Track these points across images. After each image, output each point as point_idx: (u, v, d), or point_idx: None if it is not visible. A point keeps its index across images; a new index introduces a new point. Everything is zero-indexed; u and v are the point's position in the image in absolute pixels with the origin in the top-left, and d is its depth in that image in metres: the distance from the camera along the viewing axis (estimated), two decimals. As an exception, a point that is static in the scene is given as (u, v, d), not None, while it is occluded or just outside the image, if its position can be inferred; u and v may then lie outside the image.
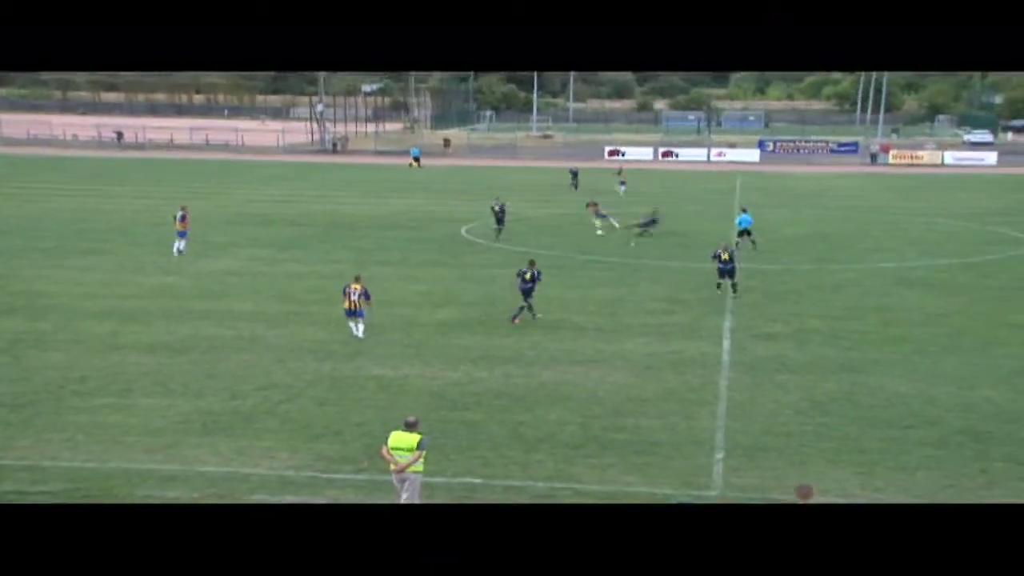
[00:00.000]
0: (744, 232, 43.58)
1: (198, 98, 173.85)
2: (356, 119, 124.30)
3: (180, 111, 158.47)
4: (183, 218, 41.56)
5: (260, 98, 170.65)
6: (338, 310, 31.63)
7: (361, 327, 28.76)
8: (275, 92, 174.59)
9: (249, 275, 37.27)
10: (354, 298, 28.55)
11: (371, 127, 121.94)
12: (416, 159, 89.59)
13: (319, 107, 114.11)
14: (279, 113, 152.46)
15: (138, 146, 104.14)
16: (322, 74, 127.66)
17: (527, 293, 30.90)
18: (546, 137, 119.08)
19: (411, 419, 17.30)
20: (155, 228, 46.43)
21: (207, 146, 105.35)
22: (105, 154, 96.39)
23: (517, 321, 30.61)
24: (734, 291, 34.40)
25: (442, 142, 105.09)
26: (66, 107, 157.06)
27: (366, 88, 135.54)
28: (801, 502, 13.80)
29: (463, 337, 28.94)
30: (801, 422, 22.09)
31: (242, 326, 29.74)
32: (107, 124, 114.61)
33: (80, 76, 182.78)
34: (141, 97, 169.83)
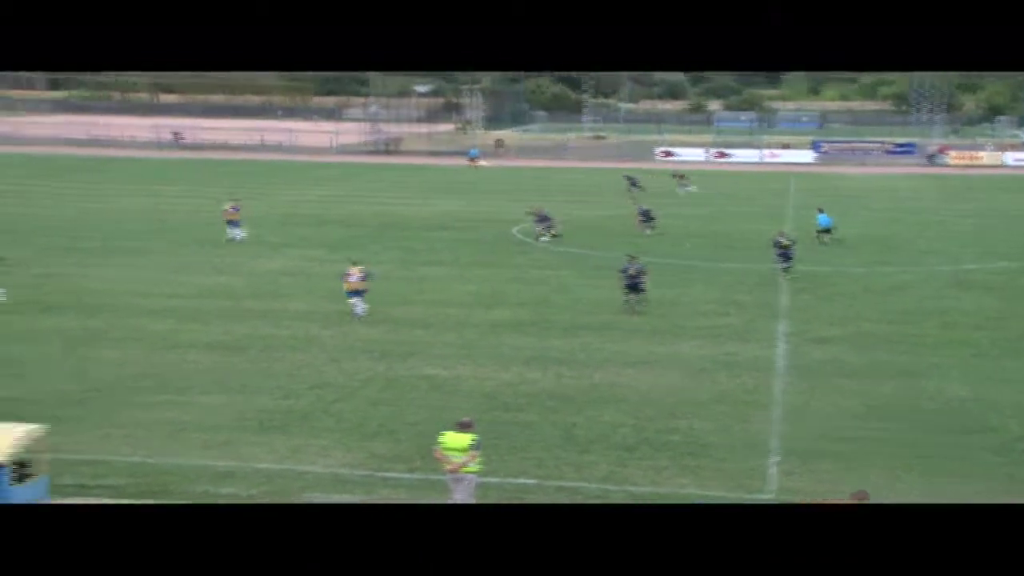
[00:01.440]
0: (824, 231, 44.92)
1: (253, 99, 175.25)
2: (409, 120, 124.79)
3: (236, 112, 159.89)
4: (236, 210, 44.58)
5: (314, 99, 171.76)
6: (392, 310, 31.81)
7: (361, 306, 30.73)
8: (328, 93, 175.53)
9: (302, 275, 37.49)
10: (352, 280, 30.78)
11: (423, 128, 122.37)
12: (473, 159, 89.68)
13: (372, 108, 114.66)
14: (332, 114, 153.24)
15: (195, 147, 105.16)
16: (375, 75, 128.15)
17: (633, 288, 31.45)
18: (598, 138, 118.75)
19: (464, 420, 17.35)
20: (210, 228, 46.81)
21: (262, 147, 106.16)
22: (162, 155, 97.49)
23: (630, 312, 31.37)
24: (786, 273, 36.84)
25: (494, 143, 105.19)
26: (126, 109, 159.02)
27: (419, 89, 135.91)
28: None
29: (515, 338, 28.92)
30: (858, 427, 21.83)
31: (296, 325, 29.93)
32: (165, 125, 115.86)
33: (139, 78, 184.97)
34: (199, 98, 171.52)
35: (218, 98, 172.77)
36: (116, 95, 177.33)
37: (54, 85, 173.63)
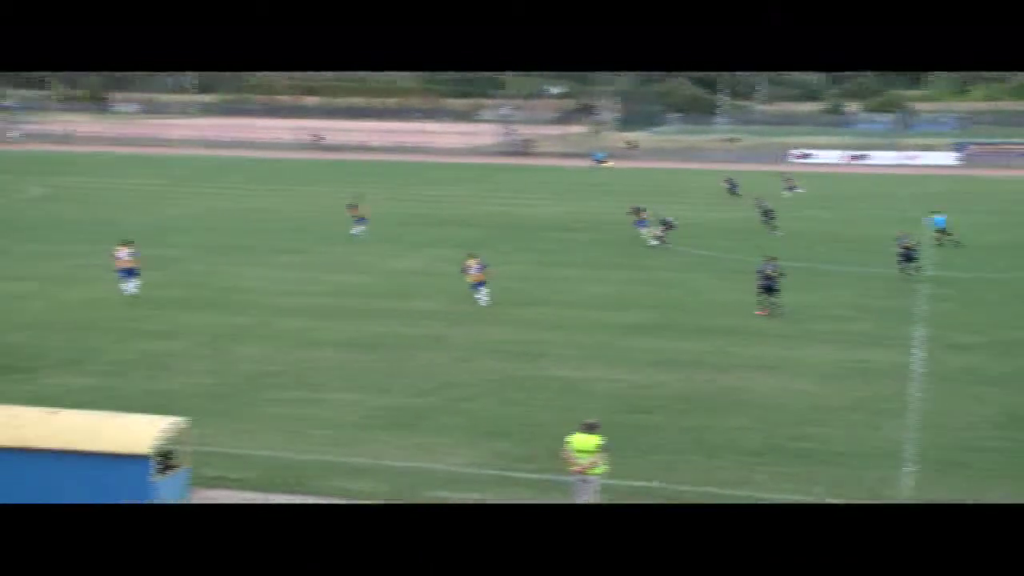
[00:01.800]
0: (940, 232, 44.66)
1: (390, 102, 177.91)
2: (541, 122, 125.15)
3: (374, 114, 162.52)
4: (355, 207, 47.48)
5: (448, 101, 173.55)
6: (522, 311, 31.95)
7: (484, 296, 32.32)
8: (463, 96, 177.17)
9: (435, 275, 37.91)
10: (472, 272, 32.68)
11: (556, 129, 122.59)
12: (599, 161, 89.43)
13: (504, 110, 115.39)
14: (466, 116, 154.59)
15: (334, 148, 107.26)
16: (510, 77, 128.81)
17: (768, 289, 31.47)
18: (732, 140, 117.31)
19: (591, 421, 17.30)
20: (346, 227, 47.72)
21: (398, 148, 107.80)
22: (303, 156, 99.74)
23: (763, 312, 31.37)
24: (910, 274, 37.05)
25: (626, 144, 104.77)
26: (269, 111, 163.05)
27: (551, 91, 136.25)
28: None
29: (646, 340, 28.75)
30: (998, 437, 21.10)
31: (427, 324, 30.29)
32: (306, 127, 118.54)
33: (282, 81, 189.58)
34: (339, 101, 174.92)
35: (357, 100, 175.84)
36: (261, 98, 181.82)
37: (203, 89, 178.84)
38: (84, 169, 79.27)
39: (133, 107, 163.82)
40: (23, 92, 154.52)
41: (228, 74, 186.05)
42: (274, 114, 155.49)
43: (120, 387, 23.88)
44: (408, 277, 37.66)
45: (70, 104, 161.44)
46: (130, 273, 33.22)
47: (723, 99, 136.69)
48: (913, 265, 37.29)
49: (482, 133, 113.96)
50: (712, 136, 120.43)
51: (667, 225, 45.45)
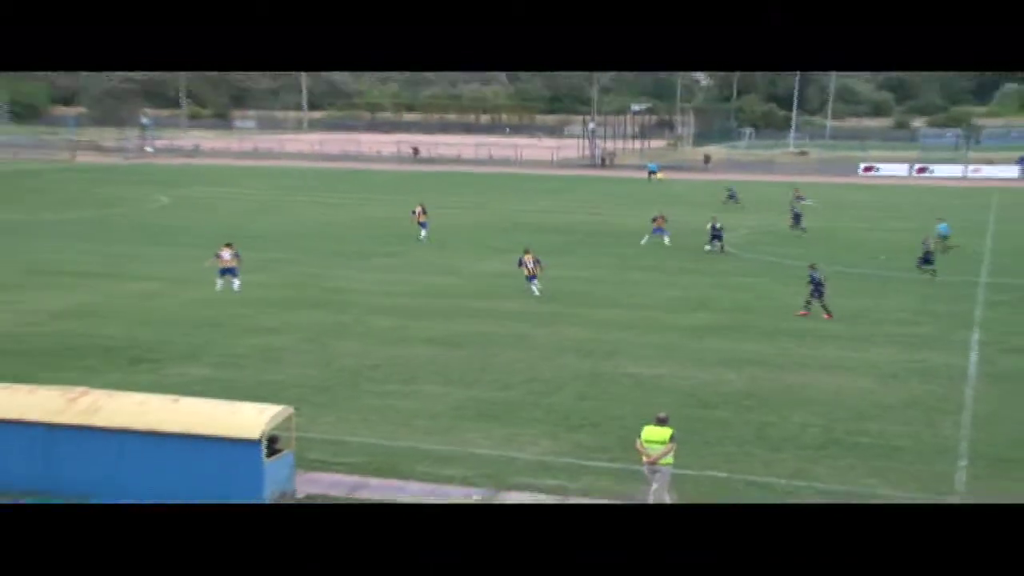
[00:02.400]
0: (943, 239, 43.99)
1: (484, 117, 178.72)
2: (624, 136, 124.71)
3: (468, 129, 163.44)
4: (422, 212, 48.67)
5: (537, 117, 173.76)
6: (600, 313, 32.05)
7: (536, 287, 34.36)
8: (551, 112, 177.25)
9: (518, 277, 38.08)
10: (530, 267, 34.50)
11: (637, 144, 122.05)
12: (652, 173, 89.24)
13: (590, 125, 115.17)
14: (554, 131, 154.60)
15: (431, 160, 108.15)
16: (595, 94, 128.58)
17: (816, 293, 31.50)
18: (802, 154, 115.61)
19: (662, 415, 17.37)
20: (438, 233, 48.16)
21: (490, 161, 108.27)
22: (403, 168, 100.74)
23: (804, 312, 31.43)
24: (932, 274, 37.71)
25: (702, 158, 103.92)
26: (373, 126, 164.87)
27: (634, 108, 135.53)
28: None
29: (715, 340, 28.61)
30: (1049, 436, 20.60)
31: (512, 324, 30.49)
32: (405, 141, 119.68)
33: (386, 98, 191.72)
34: (435, 117, 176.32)
35: (452, 116, 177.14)
36: (365, 115, 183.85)
37: (313, 106, 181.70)
38: (208, 180, 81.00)
39: (251, 123, 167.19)
40: (159, 111, 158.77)
41: (337, 92, 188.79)
42: (377, 129, 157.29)
43: (233, 378, 24.50)
44: (494, 279, 37.90)
45: (198, 121, 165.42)
46: (231, 272, 34.87)
47: (795, 115, 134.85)
48: (928, 267, 38.18)
49: (568, 147, 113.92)
50: (783, 150, 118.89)
51: (716, 232, 45.24)
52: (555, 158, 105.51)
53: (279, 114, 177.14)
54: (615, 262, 42.16)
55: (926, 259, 38.31)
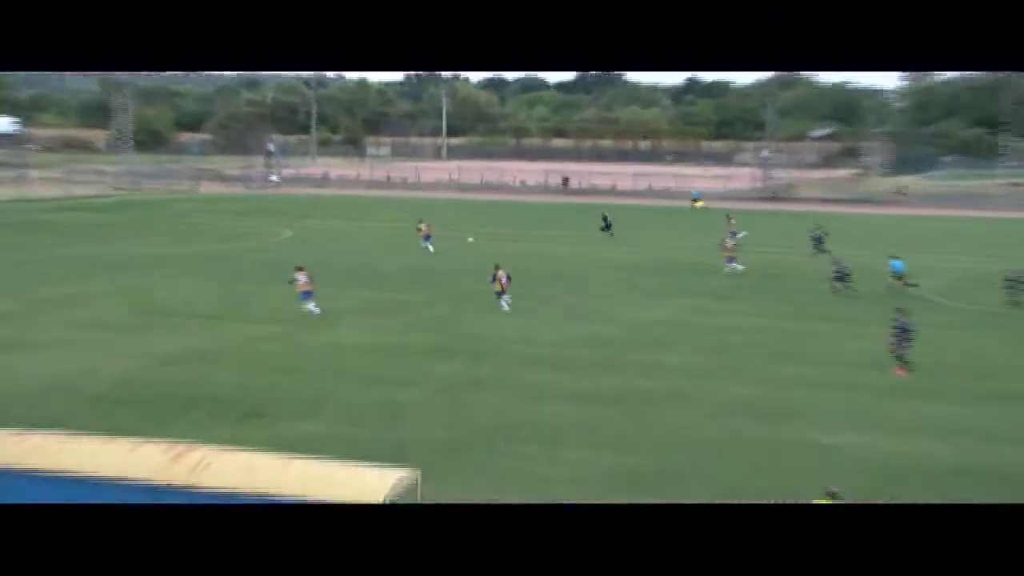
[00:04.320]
0: (896, 277, 45.85)
1: (643, 144, 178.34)
2: (803, 165, 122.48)
3: (625, 156, 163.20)
4: (428, 227, 57.73)
5: (704, 144, 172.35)
6: (773, 367, 31.05)
7: (506, 302, 38.79)
8: (720, 137, 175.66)
9: (681, 326, 37.28)
10: (503, 282, 38.49)
11: (818, 174, 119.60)
12: (696, 200, 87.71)
13: (764, 152, 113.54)
14: (723, 159, 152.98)
15: (582, 191, 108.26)
16: (770, 120, 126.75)
17: (901, 342, 30.86)
18: (1016, 185, 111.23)
19: (832, 489, 16.86)
20: (594, 273, 47.83)
21: (649, 192, 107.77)
22: (551, 199, 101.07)
23: (902, 370, 30.61)
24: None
25: (894, 189, 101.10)
26: (518, 153, 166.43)
27: (815, 133, 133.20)
28: None
29: (911, 403, 27.23)
30: None
31: (672, 379, 29.71)
32: (554, 170, 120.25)
33: (532, 123, 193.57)
34: (588, 143, 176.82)
35: (607, 143, 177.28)
36: (511, 140, 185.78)
37: (453, 131, 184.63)
38: (336, 212, 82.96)
39: (386, 150, 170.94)
40: (287, 136, 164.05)
41: (480, 115, 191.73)
42: (522, 156, 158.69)
43: (354, 435, 24.39)
44: (650, 328, 37.18)
45: (328, 148, 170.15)
46: (307, 295, 38.46)
47: (1007, 140, 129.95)
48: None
49: (740, 177, 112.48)
50: (993, 181, 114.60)
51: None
52: (725, 189, 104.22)
53: (415, 140, 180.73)
54: (790, 309, 40.94)
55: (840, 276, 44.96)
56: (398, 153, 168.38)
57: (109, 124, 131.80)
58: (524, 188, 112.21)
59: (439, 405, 27.16)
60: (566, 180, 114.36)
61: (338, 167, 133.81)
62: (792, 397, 27.84)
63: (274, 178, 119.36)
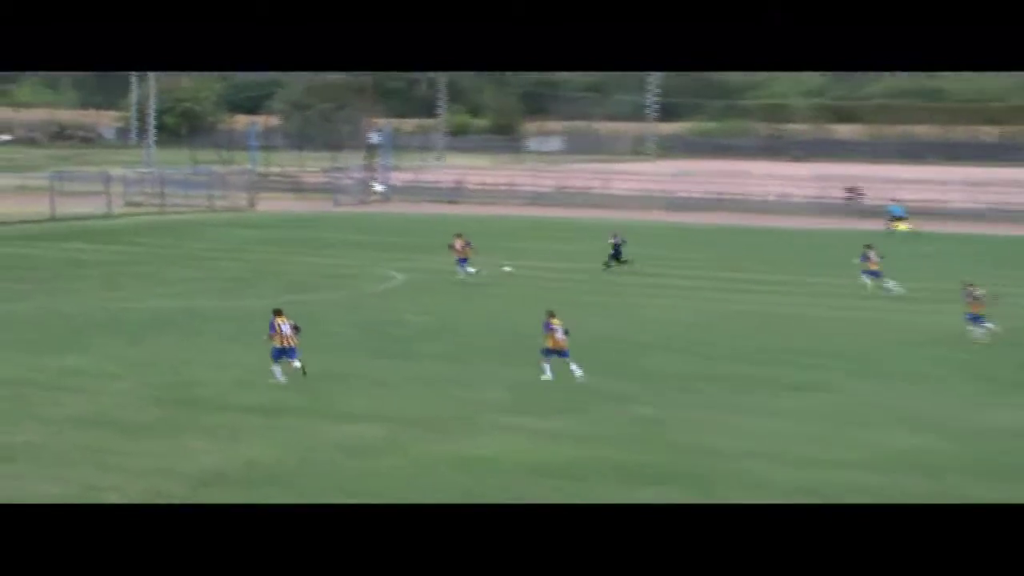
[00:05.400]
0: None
1: (987, 131, 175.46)
2: None
3: (954, 155, 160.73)
4: (464, 245, 67.16)
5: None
6: None
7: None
8: None
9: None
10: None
11: None
12: (896, 219, 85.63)
13: None
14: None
15: (879, 210, 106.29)
16: None
17: None
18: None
19: None
20: (907, 349, 46.93)
21: (997, 213, 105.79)
22: (828, 223, 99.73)
23: None
24: None
25: None
26: (772, 148, 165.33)
27: None
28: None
29: None
30: None
31: None
32: (834, 175, 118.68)
33: (797, 103, 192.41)
34: (895, 129, 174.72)
35: (923, 129, 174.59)
36: (761, 127, 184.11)
37: (666, 113, 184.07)
38: (474, 242, 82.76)
39: (556, 142, 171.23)
40: (399, 120, 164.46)
41: (712, 87, 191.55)
42: (779, 153, 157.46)
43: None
44: (1005, 442, 35.91)
45: (464, 140, 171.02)
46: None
47: None
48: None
49: None
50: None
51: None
52: None
53: (603, 126, 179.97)
54: None
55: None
56: (575, 147, 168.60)
57: (120, 102, 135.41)
58: (782, 205, 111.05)
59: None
60: (854, 192, 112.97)
61: (479, 170, 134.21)
62: None
63: (379, 187, 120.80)
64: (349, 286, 64.85)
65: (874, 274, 65.13)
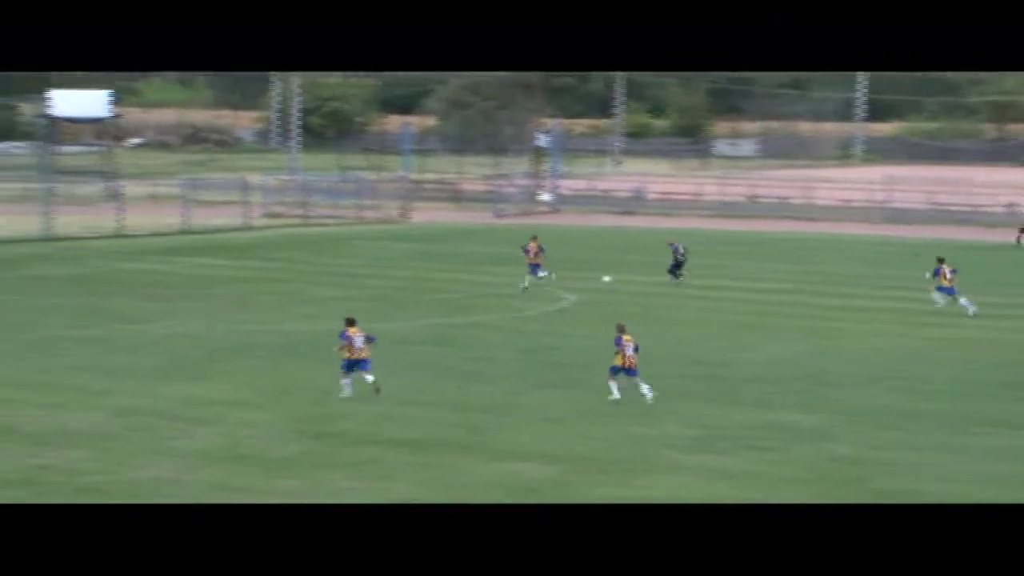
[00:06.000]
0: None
1: None
2: None
3: None
4: (537, 249, 69.42)
5: None
6: None
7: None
8: None
9: None
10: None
11: None
12: None
13: None
14: None
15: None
16: None
17: None
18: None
19: None
20: None
21: None
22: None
23: None
24: None
25: None
26: (1004, 152, 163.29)
27: None
28: None
29: None
30: None
31: None
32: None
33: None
34: None
35: None
36: (990, 129, 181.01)
37: (876, 112, 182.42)
38: (654, 259, 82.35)
39: (748, 147, 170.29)
40: (571, 123, 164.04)
41: (923, 85, 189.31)
42: (1005, 159, 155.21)
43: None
44: None
45: (643, 142, 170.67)
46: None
47: None
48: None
49: None
50: None
51: None
52: None
53: (804, 127, 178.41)
54: None
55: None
56: (771, 151, 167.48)
57: (259, 102, 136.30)
58: (1010, 218, 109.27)
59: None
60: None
61: (661, 178, 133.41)
62: None
63: (546, 196, 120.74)
64: (511, 307, 64.95)
65: (948, 291, 65.21)
